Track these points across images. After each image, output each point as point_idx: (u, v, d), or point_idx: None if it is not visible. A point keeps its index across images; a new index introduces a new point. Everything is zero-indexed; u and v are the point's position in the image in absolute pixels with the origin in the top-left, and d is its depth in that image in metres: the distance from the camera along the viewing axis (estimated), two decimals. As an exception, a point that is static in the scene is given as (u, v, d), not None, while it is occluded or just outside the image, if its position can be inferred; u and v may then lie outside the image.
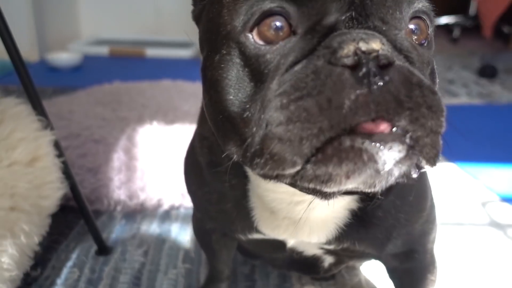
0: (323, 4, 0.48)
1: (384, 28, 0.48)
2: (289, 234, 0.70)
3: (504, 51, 3.85)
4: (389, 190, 0.64)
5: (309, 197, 0.59)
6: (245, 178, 0.67)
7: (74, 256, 1.14)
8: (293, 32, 0.49)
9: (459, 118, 2.67)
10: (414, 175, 0.48)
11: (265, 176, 0.49)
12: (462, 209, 1.39)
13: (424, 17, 0.53)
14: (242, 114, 0.50)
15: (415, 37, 0.53)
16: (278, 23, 0.48)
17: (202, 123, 0.73)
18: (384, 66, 0.43)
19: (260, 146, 0.47)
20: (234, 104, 0.51)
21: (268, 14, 0.49)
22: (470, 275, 1.10)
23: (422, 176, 0.74)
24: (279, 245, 0.76)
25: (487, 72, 3.08)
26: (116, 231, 1.26)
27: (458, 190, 1.51)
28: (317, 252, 0.78)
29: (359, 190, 0.48)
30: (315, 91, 0.43)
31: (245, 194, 0.69)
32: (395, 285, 0.81)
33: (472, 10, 4.73)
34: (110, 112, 1.87)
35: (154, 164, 1.45)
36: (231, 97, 0.51)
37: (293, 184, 0.49)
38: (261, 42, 0.49)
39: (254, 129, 0.48)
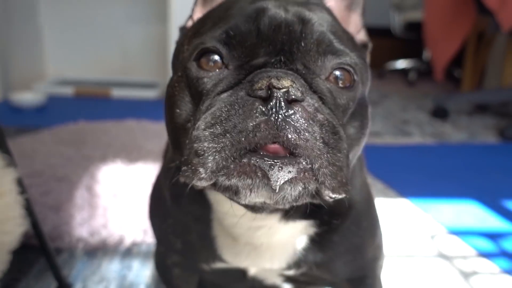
0: (252, 50, 0.59)
1: (304, 72, 0.59)
2: (251, 260, 0.75)
3: (456, 93, 4.06)
4: (345, 216, 0.73)
5: (267, 222, 0.68)
6: (208, 206, 0.73)
7: (33, 293, 1.14)
8: (226, 66, 0.60)
9: (412, 156, 2.74)
10: (327, 197, 0.55)
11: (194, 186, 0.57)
12: (413, 242, 1.46)
13: (348, 68, 0.62)
14: (184, 125, 0.62)
15: (341, 81, 0.62)
16: (214, 57, 0.61)
17: (166, 154, 0.80)
18: (292, 101, 0.53)
19: (187, 157, 0.56)
20: (181, 116, 0.63)
21: (206, 51, 0.61)
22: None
23: (372, 206, 0.83)
24: (241, 275, 0.81)
25: (439, 113, 3.26)
26: (76, 268, 1.26)
27: (409, 224, 1.59)
28: (277, 280, 0.84)
29: (271, 204, 0.55)
30: (228, 117, 0.53)
31: (209, 225, 0.75)
32: None
33: (425, 55, 5.02)
34: (74, 151, 1.89)
35: (116, 201, 1.48)
36: (178, 110, 0.63)
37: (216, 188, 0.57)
38: (200, 69, 0.61)
39: (187, 141, 0.57)
